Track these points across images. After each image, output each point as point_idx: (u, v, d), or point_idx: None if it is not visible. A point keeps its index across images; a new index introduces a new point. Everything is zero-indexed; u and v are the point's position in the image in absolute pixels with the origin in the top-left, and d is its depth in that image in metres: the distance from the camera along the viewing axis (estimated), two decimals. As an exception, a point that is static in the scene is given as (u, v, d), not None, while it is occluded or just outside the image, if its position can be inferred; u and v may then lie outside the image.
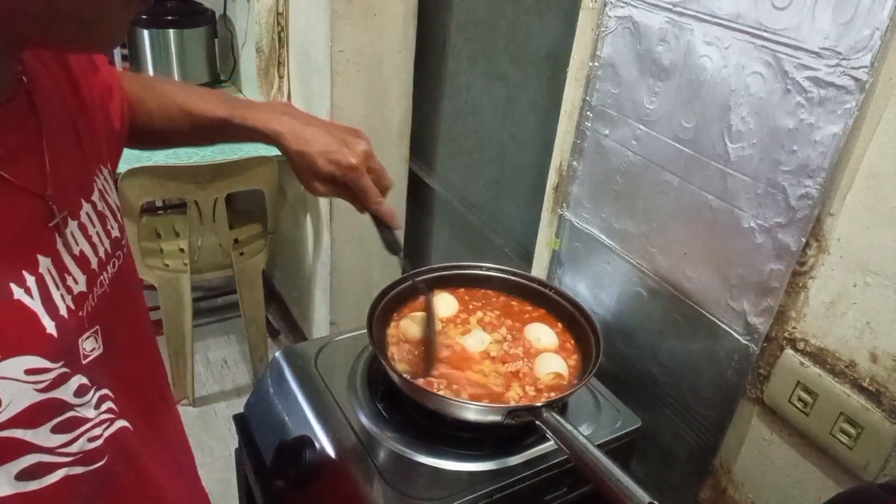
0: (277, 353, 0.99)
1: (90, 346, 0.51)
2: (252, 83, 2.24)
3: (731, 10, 0.80)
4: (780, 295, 0.80)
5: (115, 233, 0.57)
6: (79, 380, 0.49)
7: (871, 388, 0.73)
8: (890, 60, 0.66)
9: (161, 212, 2.34)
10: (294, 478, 0.84)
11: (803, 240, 0.76)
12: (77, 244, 0.50)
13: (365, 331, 0.87)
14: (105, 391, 0.53)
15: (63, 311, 0.47)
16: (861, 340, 0.73)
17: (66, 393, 0.48)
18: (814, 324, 0.78)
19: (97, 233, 0.54)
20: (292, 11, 1.91)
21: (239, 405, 1.22)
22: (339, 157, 0.70)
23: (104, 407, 0.53)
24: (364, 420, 0.86)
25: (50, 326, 0.46)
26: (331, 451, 0.83)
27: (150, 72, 2.30)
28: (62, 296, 0.48)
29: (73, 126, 0.54)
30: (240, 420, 1.02)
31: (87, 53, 0.58)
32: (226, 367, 2.44)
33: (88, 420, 0.51)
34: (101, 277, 0.53)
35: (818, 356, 0.78)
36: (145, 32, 2.24)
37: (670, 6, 0.87)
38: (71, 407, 0.49)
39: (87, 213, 0.53)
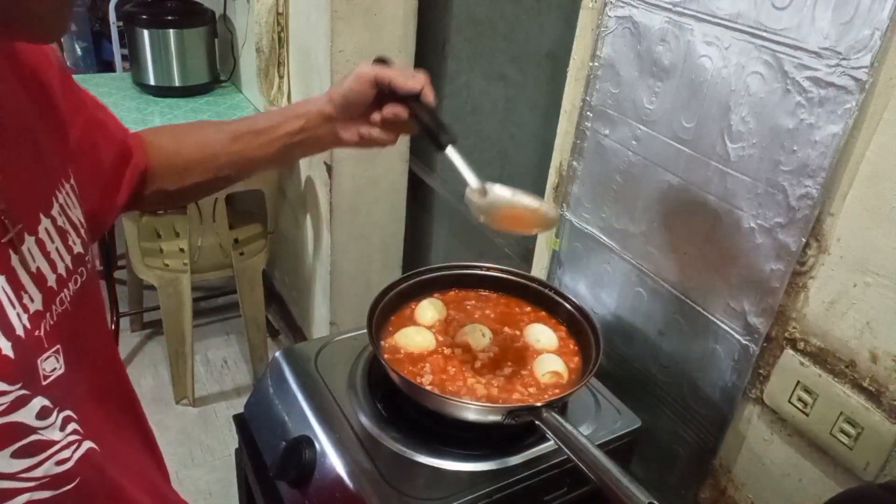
0: (277, 353, 0.99)
1: (51, 367, 0.49)
2: (252, 83, 2.24)
3: (731, 10, 0.80)
4: (780, 295, 0.80)
5: (78, 248, 0.54)
6: (40, 402, 0.47)
7: (871, 388, 0.73)
8: (890, 60, 0.66)
9: (161, 212, 2.34)
10: (294, 478, 0.84)
11: (803, 240, 0.76)
12: (34, 261, 0.48)
13: (365, 331, 0.87)
14: (69, 412, 0.51)
15: (20, 331, 0.45)
16: (861, 340, 0.73)
17: (27, 416, 0.46)
18: (814, 324, 0.78)
19: (56, 249, 0.51)
20: (292, 11, 1.91)
21: (239, 405, 1.22)
22: (353, 78, 0.76)
23: (70, 428, 0.51)
24: (364, 420, 0.86)
25: (6, 347, 0.44)
26: (331, 451, 0.83)
27: (150, 72, 2.30)
28: (18, 315, 0.45)
29: (33, 139, 0.51)
30: (240, 420, 1.02)
31: (35, 42, 0.54)
32: (226, 367, 2.44)
33: (55, 443, 0.49)
34: (62, 295, 0.51)
35: (818, 356, 0.78)
36: (145, 32, 2.24)
37: (670, 6, 0.87)
38: (34, 430, 0.47)
39: (46, 229, 0.50)
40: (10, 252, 0.46)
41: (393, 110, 0.76)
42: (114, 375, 0.63)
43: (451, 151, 0.77)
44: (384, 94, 0.76)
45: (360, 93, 0.76)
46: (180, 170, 0.77)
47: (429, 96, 0.76)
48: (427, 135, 0.77)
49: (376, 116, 0.77)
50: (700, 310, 0.91)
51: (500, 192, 0.79)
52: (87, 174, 0.61)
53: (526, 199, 0.78)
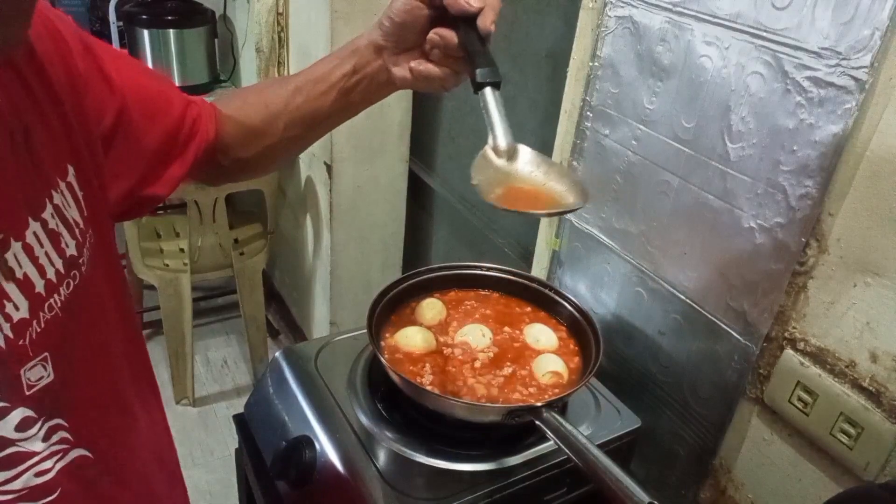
0: (277, 353, 0.99)
1: (36, 375, 0.47)
2: (252, 83, 2.24)
3: (730, 10, 0.80)
4: (780, 295, 0.80)
5: (72, 251, 0.51)
6: (21, 413, 0.46)
7: (871, 388, 0.73)
8: (890, 60, 0.66)
9: (161, 212, 2.34)
10: (294, 478, 0.84)
11: (803, 240, 0.76)
12: (21, 267, 0.46)
13: (365, 331, 0.87)
14: (57, 421, 0.50)
15: (0, 342, 0.44)
16: (861, 340, 0.73)
17: (5, 429, 0.45)
18: (814, 324, 0.78)
19: (46, 253, 0.48)
20: (292, 11, 1.91)
21: (239, 405, 1.22)
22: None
23: (55, 438, 0.49)
24: (364, 420, 0.86)
25: None
26: (331, 451, 0.83)
27: (150, 72, 2.30)
28: None
29: (26, 140, 0.48)
30: (240, 420, 1.02)
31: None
32: (226, 367, 2.44)
33: (35, 454, 0.48)
34: (51, 301, 0.49)
35: (818, 356, 0.78)
36: (145, 32, 2.24)
37: (670, 6, 0.87)
38: (12, 443, 0.46)
39: (35, 233, 0.48)
40: None
41: (440, 32, 0.62)
42: (116, 378, 0.60)
43: (488, 94, 0.61)
44: (444, 16, 0.62)
45: (408, 10, 0.64)
46: (249, 135, 0.72)
47: (486, 22, 0.60)
48: (468, 69, 0.62)
49: (427, 45, 0.64)
50: (700, 310, 0.91)
51: (528, 164, 0.62)
52: (123, 156, 0.60)
53: (555, 183, 0.62)
